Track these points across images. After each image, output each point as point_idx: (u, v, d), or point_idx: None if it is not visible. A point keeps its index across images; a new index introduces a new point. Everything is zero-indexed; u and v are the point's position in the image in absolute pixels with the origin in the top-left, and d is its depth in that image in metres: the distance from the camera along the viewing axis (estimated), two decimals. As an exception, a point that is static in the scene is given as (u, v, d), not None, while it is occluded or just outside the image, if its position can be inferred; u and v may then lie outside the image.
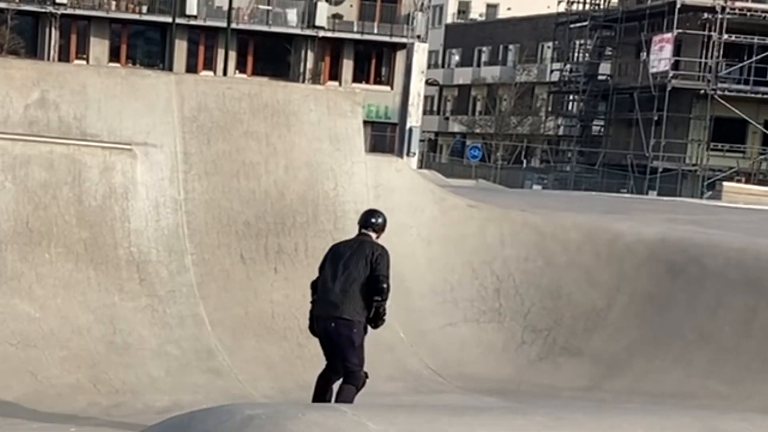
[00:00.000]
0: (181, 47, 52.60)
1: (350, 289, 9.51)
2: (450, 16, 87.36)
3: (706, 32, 53.39)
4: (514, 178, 57.20)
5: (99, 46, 53.51)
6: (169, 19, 48.48)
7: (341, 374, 9.60)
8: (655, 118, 53.16)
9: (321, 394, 9.72)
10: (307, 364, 11.78)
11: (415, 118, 55.71)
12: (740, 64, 54.23)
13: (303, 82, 51.32)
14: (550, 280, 13.11)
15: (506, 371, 12.40)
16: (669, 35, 53.64)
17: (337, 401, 9.44)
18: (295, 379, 11.47)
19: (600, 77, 62.30)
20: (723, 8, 52.96)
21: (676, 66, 54.15)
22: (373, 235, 9.90)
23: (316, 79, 53.62)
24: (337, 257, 9.73)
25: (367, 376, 9.64)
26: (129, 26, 54.42)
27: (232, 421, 5.09)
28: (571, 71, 63.56)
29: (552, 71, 68.67)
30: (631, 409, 10.09)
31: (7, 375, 10.41)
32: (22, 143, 11.60)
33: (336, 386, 9.68)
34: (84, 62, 51.02)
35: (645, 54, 55.10)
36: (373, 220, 9.98)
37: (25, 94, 11.77)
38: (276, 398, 10.95)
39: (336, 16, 55.24)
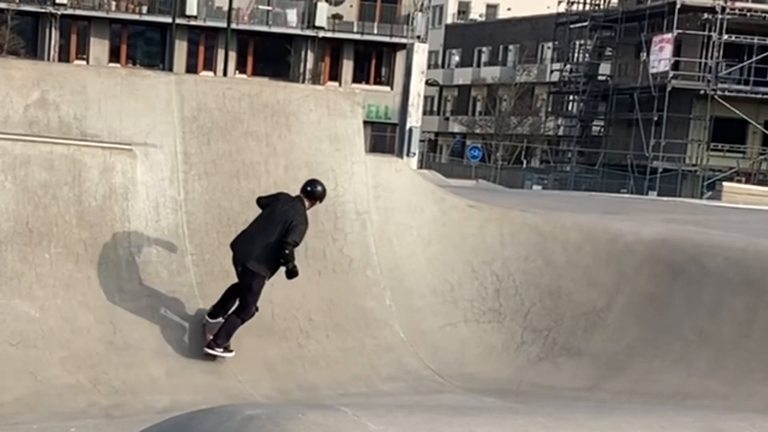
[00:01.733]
0: (181, 47, 52.60)
1: (265, 246, 10.99)
2: (450, 16, 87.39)
3: (706, 32, 53.41)
4: (514, 179, 57.21)
5: (99, 47, 53.52)
6: (169, 20, 48.49)
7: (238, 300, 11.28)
8: (655, 118, 53.17)
9: (223, 302, 11.36)
10: (307, 365, 11.80)
11: (415, 118, 55.72)
12: (740, 65, 54.25)
13: (303, 82, 51.34)
14: (550, 280, 13.11)
15: (506, 371, 12.40)
16: (669, 35, 53.65)
17: (222, 326, 11.23)
18: (295, 380, 11.49)
19: (600, 77, 62.31)
20: (723, 8, 52.97)
21: (676, 66, 54.16)
22: (307, 203, 11.30)
23: (316, 79, 53.64)
24: (271, 211, 11.17)
25: (257, 310, 11.24)
26: (129, 26, 54.42)
27: (232, 421, 5.09)
28: (571, 71, 63.57)
29: (552, 71, 68.70)
30: (630, 409, 10.09)
31: (7, 375, 10.41)
32: (22, 143, 11.60)
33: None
34: (84, 62, 51.02)
35: (645, 54, 55.11)
36: (310, 189, 11.40)
37: (25, 95, 11.77)
38: (276, 399, 10.95)
39: (336, 17, 55.24)
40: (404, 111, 55.35)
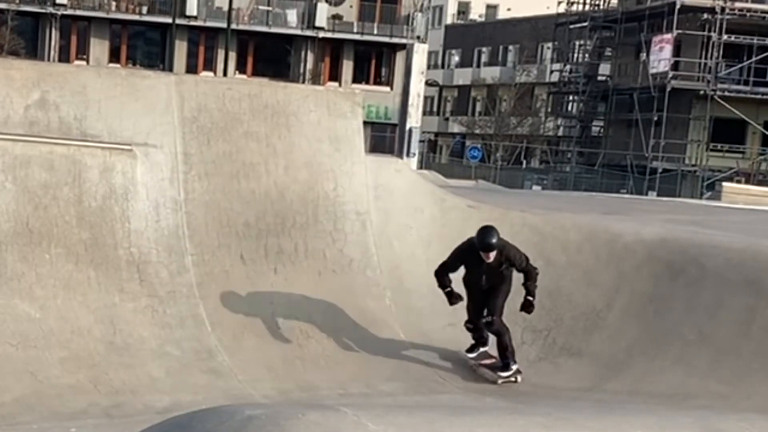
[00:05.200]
0: (181, 48, 52.65)
1: None
2: (450, 16, 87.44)
3: (705, 33, 53.44)
4: (514, 179, 57.22)
5: (99, 47, 53.58)
6: (169, 20, 48.54)
7: None
8: (655, 118, 53.20)
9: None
10: (308, 365, 11.80)
11: (414, 118, 55.77)
12: (740, 65, 54.29)
13: (303, 82, 51.41)
14: (550, 280, 13.10)
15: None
16: (669, 36, 53.68)
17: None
18: (295, 380, 11.48)
19: (600, 78, 62.35)
20: (722, 9, 53.01)
21: (675, 66, 54.20)
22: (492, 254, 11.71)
23: (316, 79, 53.68)
24: None
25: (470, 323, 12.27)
26: (129, 27, 54.47)
27: (232, 421, 5.09)
28: (570, 72, 63.61)
29: (552, 72, 68.75)
30: (630, 409, 10.10)
31: (7, 375, 10.40)
32: (22, 144, 11.60)
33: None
34: (84, 63, 51.07)
35: (645, 54, 55.15)
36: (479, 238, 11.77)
37: (25, 95, 11.77)
38: (276, 399, 10.95)
39: (336, 17, 55.29)
40: (404, 111, 55.39)
